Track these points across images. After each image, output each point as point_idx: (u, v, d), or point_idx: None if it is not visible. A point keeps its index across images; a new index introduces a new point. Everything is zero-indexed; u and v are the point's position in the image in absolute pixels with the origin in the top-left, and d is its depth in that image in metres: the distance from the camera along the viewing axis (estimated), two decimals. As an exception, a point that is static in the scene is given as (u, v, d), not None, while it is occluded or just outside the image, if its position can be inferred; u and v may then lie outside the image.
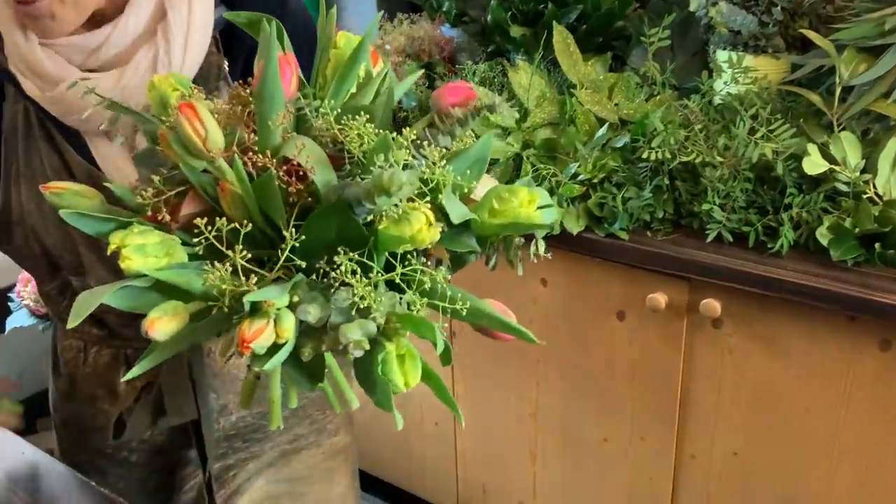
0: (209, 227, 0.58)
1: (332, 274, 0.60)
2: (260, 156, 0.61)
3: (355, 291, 0.58)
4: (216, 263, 0.58)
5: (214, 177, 0.62)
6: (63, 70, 0.83)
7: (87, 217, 0.62)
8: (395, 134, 0.62)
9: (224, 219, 0.58)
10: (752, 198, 1.38)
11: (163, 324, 0.57)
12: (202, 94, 0.67)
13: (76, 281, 0.94)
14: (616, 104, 1.57)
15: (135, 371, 0.62)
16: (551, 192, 1.50)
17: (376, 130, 0.63)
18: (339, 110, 0.65)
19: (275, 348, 0.59)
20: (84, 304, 0.58)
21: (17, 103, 0.89)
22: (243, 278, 0.58)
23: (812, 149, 1.30)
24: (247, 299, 0.56)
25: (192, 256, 0.61)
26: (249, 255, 0.59)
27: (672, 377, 1.52)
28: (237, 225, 0.59)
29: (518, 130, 1.59)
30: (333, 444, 1.18)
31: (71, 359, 1.03)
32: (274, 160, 0.61)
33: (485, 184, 0.69)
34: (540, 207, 0.67)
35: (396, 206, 0.58)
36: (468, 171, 0.66)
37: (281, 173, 0.60)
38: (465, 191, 0.66)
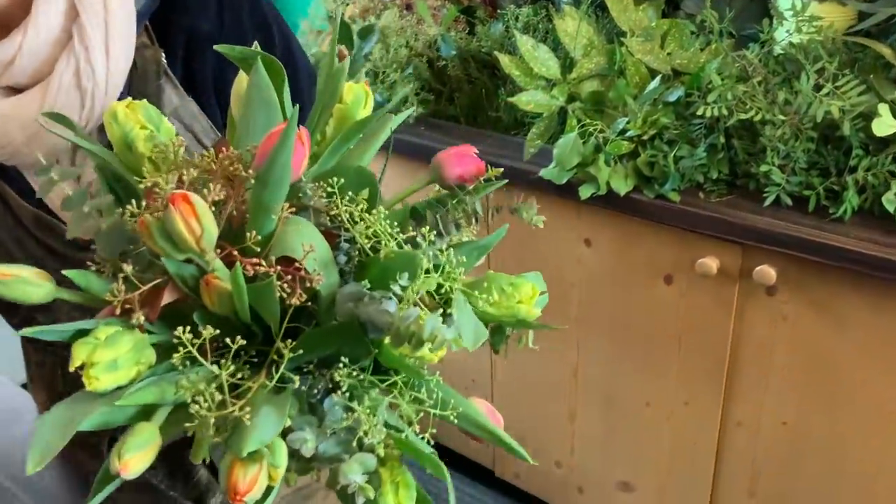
0: (188, 333, 0.50)
1: (321, 383, 0.53)
2: (263, 262, 0.52)
3: (360, 421, 0.51)
4: (197, 381, 0.50)
5: (197, 266, 0.53)
6: None
7: (47, 332, 0.51)
8: (415, 234, 0.55)
9: (208, 328, 0.50)
10: (813, 159, 1.29)
11: (136, 462, 0.49)
12: (182, 142, 0.57)
13: (42, 317, 0.81)
14: (669, 54, 1.48)
15: None
16: (598, 149, 1.43)
17: (397, 235, 0.54)
18: (339, 184, 0.57)
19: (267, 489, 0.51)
20: (48, 447, 0.48)
21: None
22: (227, 398, 0.50)
23: (883, 108, 1.21)
24: (247, 449, 0.48)
25: (163, 348, 0.52)
26: (235, 372, 0.51)
27: (721, 343, 1.46)
28: (229, 340, 0.50)
29: (563, 82, 1.50)
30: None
31: (47, 373, 0.93)
32: (275, 265, 0.52)
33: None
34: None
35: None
36: (466, 258, 0.59)
37: (283, 277, 0.52)
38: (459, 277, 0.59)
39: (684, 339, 1.51)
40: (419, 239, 0.55)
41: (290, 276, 0.51)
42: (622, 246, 1.51)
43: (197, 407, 0.49)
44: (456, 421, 0.58)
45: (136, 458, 0.49)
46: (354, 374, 0.53)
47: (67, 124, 0.59)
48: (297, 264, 0.51)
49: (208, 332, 0.49)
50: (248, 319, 0.53)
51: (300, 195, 0.55)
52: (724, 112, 1.31)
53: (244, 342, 0.51)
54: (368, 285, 0.53)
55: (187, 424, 0.50)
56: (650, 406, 1.63)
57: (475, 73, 1.78)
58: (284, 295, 0.51)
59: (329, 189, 0.56)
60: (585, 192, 1.42)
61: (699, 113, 1.33)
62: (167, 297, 0.52)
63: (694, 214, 1.35)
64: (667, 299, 1.50)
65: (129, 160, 0.57)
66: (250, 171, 0.54)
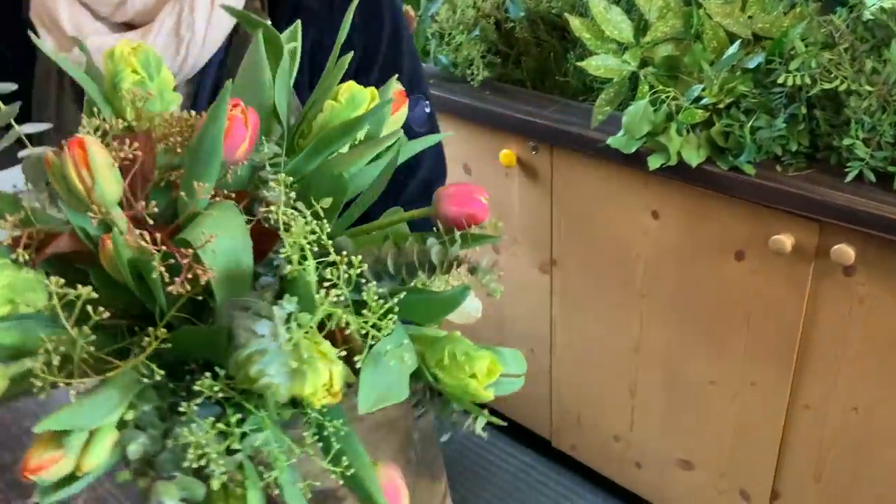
0: (61, 286, 0.45)
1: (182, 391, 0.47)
2: (146, 237, 0.46)
3: (193, 440, 0.45)
4: (57, 341, 0.44)
5: (105, 224, 0.48)
6: (81, 25, 0.74)
7: None
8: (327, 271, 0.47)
9: (88, 288, 0.45)
10: (902, 133, 1.21)
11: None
12: (146, 96, 0.53)
13: None
14: (750, 17, 1.40)
15: None
16: (669, 117, 1.37)
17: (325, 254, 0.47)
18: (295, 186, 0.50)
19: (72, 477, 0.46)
20: None
21: (49, 71, 0.81)
22: (74, 365, 0.45)
23: (982, 80, 1.12)
24: (45, 425, 0.42)
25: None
26: (102, 345, 0.46)
27: (792, 324, 1.40)
28: (91, 310, 0.45)
29: (636, 46, 1.44)
30: (375, 418, 1.11)
31: None
32: (173, 246, 0.46)
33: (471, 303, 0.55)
34: (504, 376, 0.53)
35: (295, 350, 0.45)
36: (403, 309, 0.50)
37: (178, 261, 0.46)
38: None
39: (753, 317, 1.45)
40: (334, 268, 0.47)
41: (185, 261, 0.46)
42: (692, 219, 1.46)
43: (38, 364, 0.45)
44: (340, 482, 0.51)
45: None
46: (217, 389, 0.46)
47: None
48: (186, 251, 0.46)
49: (84, 291, 0.45)
50: (138, 294, 0.49)
51: (257, 183, 0.50)
52: (807, 81, 1.23)
53: (106, 314, 0.45)
54: (291, 302, 0.46)
55: (25, 386, 0.46)
56: (715, 385, 1.58)
57: (544, 35, 1.72)
58: (165, 278, 0.45)
59: (286, 189, 0.50)
60: (655, 162, 1.36)
61: (780, 81, 1.25)
62: (58, 246, 0.49)
63: (769, 189, 1.29)
64: (737, 276, 1.44)
65: (114, 101, 0.54)
66: (179, 139, 0.51)
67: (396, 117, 0.60)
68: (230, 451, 0.46)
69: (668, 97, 1.37)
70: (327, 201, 0.49)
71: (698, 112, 1.34)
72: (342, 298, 0.47)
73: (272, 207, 0.47)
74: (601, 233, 1.61)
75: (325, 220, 0.48)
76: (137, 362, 0.46)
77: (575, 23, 1.46)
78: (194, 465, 0.44)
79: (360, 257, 0.47)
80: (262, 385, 0.44)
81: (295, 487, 0.50)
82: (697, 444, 1.68)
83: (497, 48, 1.75)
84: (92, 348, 0.45)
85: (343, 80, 0.87)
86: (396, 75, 0.88)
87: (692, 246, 1.48)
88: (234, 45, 0.80)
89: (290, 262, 0.46)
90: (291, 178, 0.50)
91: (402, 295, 0.49)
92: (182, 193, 0.48)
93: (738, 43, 1.35)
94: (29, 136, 0.54)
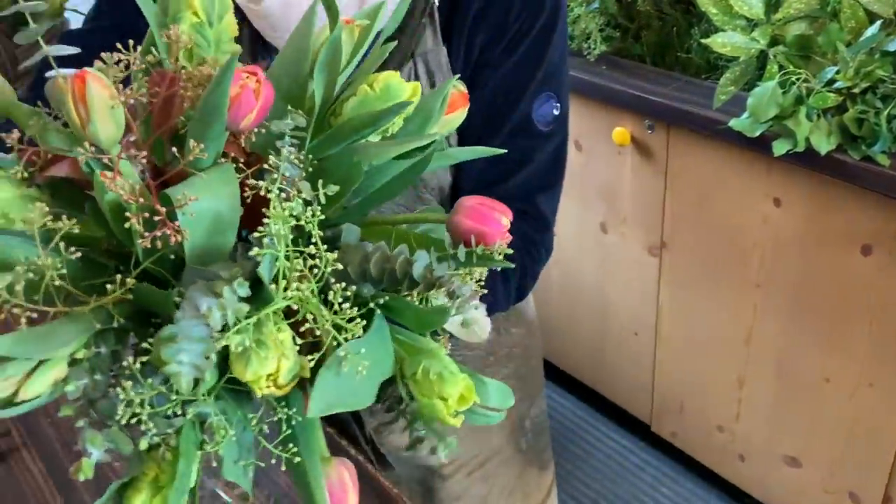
0: (46, 214, 0.44)
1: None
2: (123, 185, 0.44)
3: (124, 397, 0.43)
4: (34, 263, 0.43)
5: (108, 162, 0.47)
6: None
7: None
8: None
9: (72, 221, 0.44)
10: None
11: None
12: (189, 41, 0.50)
13: None
14: (894, -5, 1.31)
15: None
16: (799, 100, 1.29)
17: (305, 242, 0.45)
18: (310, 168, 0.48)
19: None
20: None
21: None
22: (41, 292, 0.43)
23: None
24: None
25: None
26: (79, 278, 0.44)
27: (920, 325, 1.31)
28: (62, 245, 0.44)
29: (766, 23, 1.36)
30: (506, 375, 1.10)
31: None
32: (157, 201, 0.44)
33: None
34: (480, 407, 0.49)
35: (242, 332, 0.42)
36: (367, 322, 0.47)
37: (156, 214, 0.44)
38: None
39: (877, 316, 1.37)
40: (307, 258, 0.45)
41: (156, 218, 0.44)
42: (817, 209, 1.38)
43: (6, 282, 0.43)
44: (283, 467, 0.48)
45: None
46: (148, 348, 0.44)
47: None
48: (162, 208, 0.44)
49: (66, 223, 0.44)
50: (119, 238, 0.47)
51: (270, 152, 0.47)
52: (956, 67, 1.14)
53: (77, 253, 0.44)
54: (242, 286, 0.44)
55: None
56: (830, 382, 1.50)
57: (667, 8, 1.65)
58: (138, 229, 0.43)
59: (300, 165, 0.48)
60: (780, 147, 1.29)
61: (925, 66, 1.17)
62: (59, 170, 0.47)
63: (905, 181, 1.20)
64: (862, 271, 1.36)
65: (163, 35, 0.52)
66: (189, 95, 0.48)
67: (450, 119, 0.57)
68: (173, 415, 0.45)
69: (798, 79, 1.29)
70: (333, 188, 0.47)
71: (831, 96, 1.26)
72: (307, 293, 0.44)
73: (266, 181, 0.45)
74: (717, 218, 1.55)
75: (316, 206, 0.45)
76: (96, 305, 0.45)
77: (701, -3, 1.40)
78: (123, 422, 0.43)
79: (333, 255, 0.45)
80: (168, 370, 0.42)
81: (237, 465, 0.48)
82: (807, 441, 1.61)
83: (616, 21, 1.69)
84: (59, 281, 0.44)
85: (488, 54, 0.85)
86: (534, 64, 0.86)
87: (815, 237, 1.40)
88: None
89: (261, 242, 0.44)
90: (305, 155, 0.48)
91: (382, 301, 0.47)
92: (173, 149, 0.47)
93: (878, 23, 1.26)
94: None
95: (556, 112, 0.87)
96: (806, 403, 1.57)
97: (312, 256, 0.44)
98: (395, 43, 0.55)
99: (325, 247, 0.45)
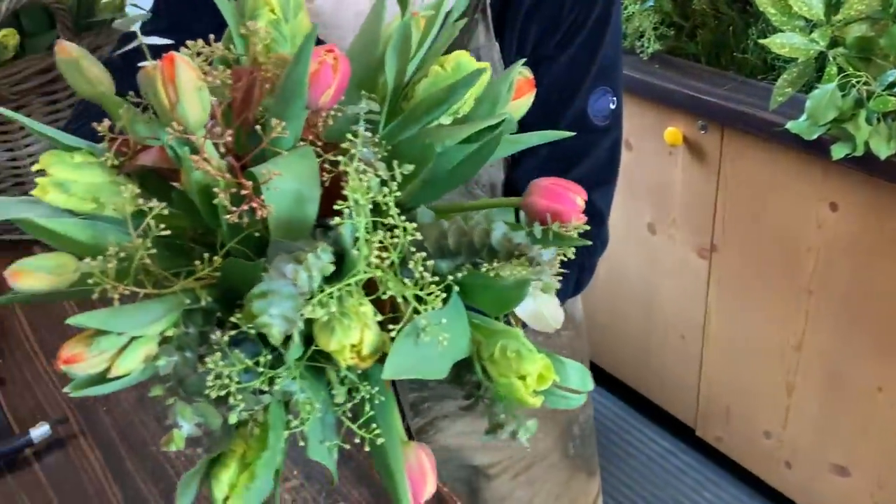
0: (138, 197, 0.46)
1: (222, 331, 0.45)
2: (211, 163, 0.45)
3: (214, 370, 0.44)
4: (124, 246, 0.45)
5: (189, 143, 0.48)
6: None
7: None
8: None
9: (162, 205, 0.45)
10: None
11: (27, 277, 0.46)
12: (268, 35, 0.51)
13: None
14: (961, -3, 1.27)
15: None
16: (859, 103, 1.26)
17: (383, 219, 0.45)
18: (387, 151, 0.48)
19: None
20: None
21: None
22: (131, 273, 0.45)
23: None
24: (80, 320, 0.43)
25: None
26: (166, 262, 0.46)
27: (980, 336, 1.28)
28: (152, 223, 0.45)
29: (826, 24, 1.34)
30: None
31: None
32: (242, 177, 0.46)
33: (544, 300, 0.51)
34: (559, 387, 0.49)
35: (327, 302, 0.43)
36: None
37: (232, 192, 0.46)
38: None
39: (935, 325, 1.34)
40: (386, 230, 0.45)
41: (243, 192, 0.46)
42: (875, 214, 1.35)
43: (96, 264, 0.45)
44: (367, 447, 0.48)
45: (28, 274, 0.46)
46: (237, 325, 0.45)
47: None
48: (248, 183, 0.46)
49: (157, 206, 0.45)
50: (206, 219, 0.49)
51: (347, 135, 0.47)
52: None
53: (166, 231, 0.45)
54: (326, 251, 0.45)
55: (87, 283, 0.46)
56: (883, 392, 1.47)
57: (724, 7, 1.63)
58: (225, 205, 0.45)
59: (374, 148, 0.48)
60: (839, 151, 1.27)
61: None
62: (147, 158, 0.49)
63: (969, 189, 1.17)
64: (920, 279, 1.33)
65: (247, 34, 0.53)
66: (269, 77, 0.49)
67: (518, 105, 0.57)
68: (260, 392, 0.46)
69: (858, 82, 1.27)
70: (408, 168, 0.47)
71: (892, 100, 1.23)
72: (387, 263, 0.45)
73: (344, 159, 0.46)
74: (770, 221, 1.52)
75: (393, 184, 0.46)
76: (185, 285, 0.46)
77: (760, -4, 1.37)
78: (213, 395, 0.44)
79: (414, 224, 0.45)
80: (259, 322, 0.43)
81: (322, 445, 0.49)
82: (856, 450, 1.58)
83: (671, 20, 1.67)
84: (149, 261, 0.46)
85: (542, 49, 0.85)
86: (588, 57, 0.85)
87: (872, 243, 1.38)
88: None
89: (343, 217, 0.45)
90: (380, 139, 0.49)
91: (460, 275, 0.47)
92: (257, 128, 0.48)
93: (945, 25, 1.23)
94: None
95: (612, 106, 0.86)
96: (856, 412, 1.54)
97: (391, 228, 0.45)
98: (465, 20, 0.55)
99: (404, 217, 0.45)
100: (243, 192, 0.45)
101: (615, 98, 0.86)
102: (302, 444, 0.47)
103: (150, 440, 0.84)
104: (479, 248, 0.47)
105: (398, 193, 0.45)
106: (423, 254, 0.45)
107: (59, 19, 1.05)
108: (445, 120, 0.53)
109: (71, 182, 0.48)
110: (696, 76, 1.58)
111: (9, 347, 0.98)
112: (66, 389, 0.46)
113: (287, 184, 0.46)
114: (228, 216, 0.45)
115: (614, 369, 2.11)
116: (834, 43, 1.33)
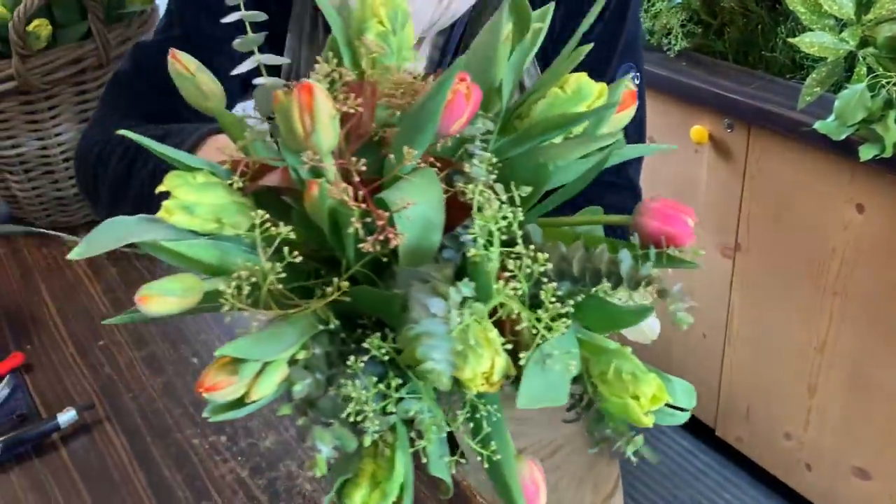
0: (268, 224, 0.47)
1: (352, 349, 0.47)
2: (348, 191, 0.46)
3: (354, 396, 0.45)
4: (251, 269, 0.46)
5: (314, 170, 0.48)
6: None
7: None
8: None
9: (288, 228, 0.46)
10: None
11: (160, 304, 0.46)
12: (382, 49, 0.52)
13: None
14: None
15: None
16: (889, 104, 1.25)
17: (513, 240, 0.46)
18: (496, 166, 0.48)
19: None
20: (95, 244, 0.47)
21: (306, 2, 0.83)
22: (262, 295, 0.46)
23: None
24: (225, 350, 0.44)
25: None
26: (289, 284, 0.47)
27: None
28: (287, 251, 0.46)
29: (856, 24, 1.32)
30: None
31: None
32: (371, 204, 0.46)
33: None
34: (669, 406, 0.49)
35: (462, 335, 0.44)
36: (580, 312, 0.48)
37: (372, 217, 0.46)
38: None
39: (962, 329, 1.33)
40: (516, 259, 0.46)
41: (376, 221, 0.46)
42: (902, 216, 1.34)
43: (230, 286, 0.46)
44: (485, 465, 0.50)
45: (157, 298, 0.46)
46: (384, 351, 0.46)
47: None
48: (382, 212, 0.46)
49: (284, 229, 0.46)
50: (332, 244, 0.49)
51: (463, 155, 0.48)
52: None
53: (299, 257, 0.47)
54: (468, 286, 0.45)
55: (214, 303, 0.47)
56: (906, 395, 1.46)
57: (752, 5, 1.62)
58: (360, 234, 0.46)
59: (489, 167, 0.48)
60: (867, 152, 1.26)
61: None
62: (271, 180, 0.49)
63: None
64: (947, 283, 1.31)
65: (356, 47, 0.54)
66: (398, 101, 0.50)
67: (621, 117, 0.57)
68: (385, 413, 0.47)
69: (888, 82, 1.26)
70: (526, 190, 0.47)
71: (923, 101, 1.22)
72: (519, 293, 0.46)
73: (471, 185, 0.46)
74: (795, 222, 1.51)
75: (519, 208, 0.46)
76: (318, 306, 0.47)
77: (790, -5, 1.36)
78: (351, 420, 0.45)
79: (545, 255, 0.45)
80: (424, 368, 0.43)
81: (442, 460, 0.50)
82: (878, 454, 1.57)
83: (699, 17, 1.66)
84: (280, 285, 0.47)
85: (569, 32, 0.85)
86: (613, 34, 0.86)
87: (899, 246, 1.36)
88: (483, 4, 0.81)
89: (475, 243, 0.45)
90: (496, 158, 0.49)
91: (580, 298, 0.47)
92: (390, 155, 0.48)
93: (979, 26, 1.21)
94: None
95: (637, 81, 0.87)
96: (879, 415, 1.53)
97: (518, 256, 0.46)
98: (590, 46, 0.55)
99: (532, 247, 0.46)
100: (379, 221, 0.45)
101: (639, 73, 0.87)
102: (424, 460, 0.49)
103: (175, 427, 0.85)
104: (607, 276, 0.47)
105: (521, 218, 0.46)
106: (555, 284, 0.46)
107: (91, 10, 1.06)
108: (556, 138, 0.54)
109: (195, 204, 0.49)
110: (723, 74, 1.57)
111: (38, 335, 1.00)
112: (205, 414, 0.48)
113: (417, 210, 0.46)
114: (363, 245, 0.45)
115: (635, 367, 2.11)
116: (864, 43, 1.32)
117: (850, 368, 1.55)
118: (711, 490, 1.90)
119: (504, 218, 0.45)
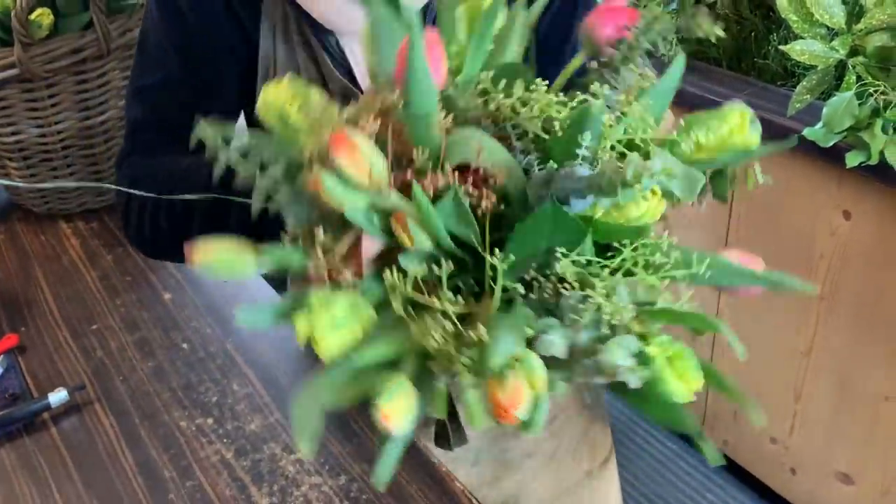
0: (401, 275, 0.47)
1: (548, 284, 0.48)
2: (440, 174, 0.47)
3: (600, 306, 0.47)
4: (424, 319, 0.47)
5: (380, 209, 0.49)
6: None
7: (261, 313, 0.50)
8: (585, 96, 0.49)
9: (415, 267, 0.47)
10: None
11: (395, 411, 0.46)
12: (331, 104, 0.52)
13: None
14: (983, 10, 1.28)
15: None
16: (875, 112, 1.27)
17: (563, 101, 0.49)
18: (487, 82, 0.51)
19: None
20: (311, 429, 0.47)
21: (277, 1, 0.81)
22: (458, 327, 0.47)
23: None
24: (492, 366, 0.45)
25: (382, 305, 0.50)
26: (459, 303, 0.48)
27: None
28: (436, 268, 0.47)
29: (846, 33, 1.34)
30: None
31: None
32: (454, 173, 0.48)
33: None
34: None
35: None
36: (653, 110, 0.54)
37: (466, 187, 0.48)
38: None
39: (944, 336, 1.35)
40: (590, 95, 0.50)
41: (471, 182, 0.47)
42: (888, 224, 1.36)
43: (433, 342, 0.46)
44: (707, 276, 0.52)
45: (392, 407, 0.46)
46: (575, 262, 0.48)
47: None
48: (473, 166, 0.47)
49: (415, 270, 0.47)
50: (450, 246, 0.49)
51: (457, 107, 0.50)
52: None
53: (451, 268, 0.47)
54: (556, 167, 0.48)
55: (429, 363, 0.48)
56: (889, 401, 1.48)
57: (746, 12, 1.64)
58: (473, 202, 0.47)
59: (481, 87, 0.51)
60: (853, 159, 1.28)
61: None
62: (368, 250, 0.49)
63: (982, 201, 1.18)
64: (930, 290, 1.33)
65: (287, 135, 0.52)
66: (394, 94, 0.50)
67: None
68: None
69: (876, 91, 1.28)
70: (519, 83, 0.51)
71: (909, 110, 1.24)
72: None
73: (491, 107, 0.50)
74: (783, 227, 1.53)
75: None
76: (500, 287, 0.48)
77: (782, 2, 1.38)
78: (611, 327, 0.48)
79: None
80: (645, 179, 0.46)
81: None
82: (862, 458, 1.59)
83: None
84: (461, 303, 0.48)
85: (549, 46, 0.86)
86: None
87: (886, 252, 1.38)
88: None
89: (536, 137, 0.49)
90: (481, 77, 0.52)
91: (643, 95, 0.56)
92: (443, 134, 0.50)
93: (966, 38, 1.24)
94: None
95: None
96: (863, 420, 1.55)
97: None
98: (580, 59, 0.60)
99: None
100: (478, 176, 0.48)
101: None
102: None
103: (163, 409, 0.87)
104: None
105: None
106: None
107: (93, 1, 1.08)
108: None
109: (333, 318, 0.48)
110: (716, 80, 1.59)
111: (33, 318, 1.02)
112: (524, 433, 0.48)
113: (488, 146, 0.49)
114: (484, 203, 0.48)
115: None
116: (854, 52, 1.34)
117: (835, 373, 1.56)
118: (696, 491, 1.92)
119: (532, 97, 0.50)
